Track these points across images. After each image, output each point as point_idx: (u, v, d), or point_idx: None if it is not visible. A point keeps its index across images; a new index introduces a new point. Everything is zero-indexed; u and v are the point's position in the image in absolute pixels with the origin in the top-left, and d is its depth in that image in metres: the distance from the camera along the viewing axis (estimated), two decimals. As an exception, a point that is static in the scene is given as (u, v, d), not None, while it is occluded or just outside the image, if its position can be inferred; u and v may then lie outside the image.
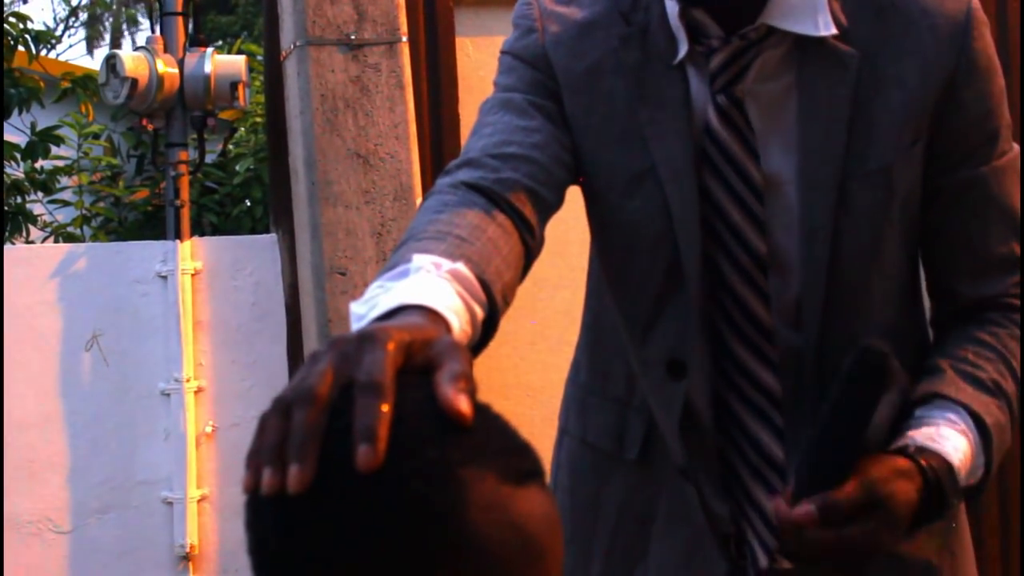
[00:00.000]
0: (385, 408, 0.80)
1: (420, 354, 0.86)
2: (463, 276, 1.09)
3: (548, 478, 1.61)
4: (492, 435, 0.84)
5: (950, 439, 1.27)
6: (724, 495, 1.45)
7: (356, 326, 0.98)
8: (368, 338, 0.85)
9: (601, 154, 1.42)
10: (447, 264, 1.09)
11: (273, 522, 0.82)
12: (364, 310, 1.01)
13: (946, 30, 1.37)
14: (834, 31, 1.35)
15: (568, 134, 1.42)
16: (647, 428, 1.50)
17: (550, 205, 1.37)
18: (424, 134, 3.13)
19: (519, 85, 1.43)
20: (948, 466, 1.24)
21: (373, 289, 1.03)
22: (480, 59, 3.27)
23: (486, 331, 1.13)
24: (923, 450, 1.24)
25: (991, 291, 1.42)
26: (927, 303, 1.52)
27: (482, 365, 3.28)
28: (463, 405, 0.81)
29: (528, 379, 3.15)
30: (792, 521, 1.19)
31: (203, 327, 3.43)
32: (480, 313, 1.10)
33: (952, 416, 1.29)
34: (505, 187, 1.30)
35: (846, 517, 1.18)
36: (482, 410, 0.84)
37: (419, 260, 1.08)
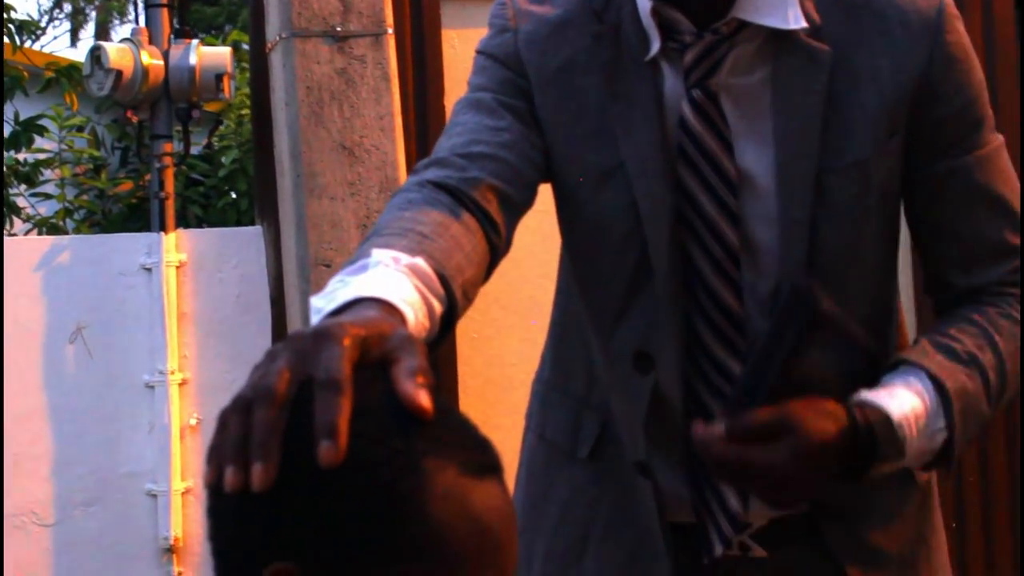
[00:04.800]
0: (345, 404, 0.81)
1: (376, 348, 0.87)
2: (421, 271, 1.10)
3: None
4: (452, 429, 0.87)
5: (898, 396, 1.29)
6: (688, 483, 1.46)
7: (315, 319, 0.99)
8: (324, 334, 0.86)
9: (572, 151, 1.43)
10: (406, 259, 1.10)
11: (235, 514, 0.84)
12: (323, 304, 1.01)
13: (918, 25, 1.38)
14: (804, 24, 1.36)
15: (538, 133, 1.43)
16: (601, 428, 1.52)
17: (518, 204, 1.38)
18: (409, 126, 3.13)
19: (490, 85, 1.44)
20: (884, 417, 1.26)
21: (334, 283, 1.04)
22: (466, 52, 3.26)
23: (445, 326, 1.14)
24: (861, 402, 1.28)
25: (985, 280, 1.43)
26: (903, 295, 1.53)
27: (488, 358, 3.27)
28: (423, 400, 0.83)
29: (511, 371, 3.16)
30: (702, 437, 1.24)
31: (188, 319, 3.42)
32: (439, 308, 1.11)
33: (911, 379, 1.31)
34: (471, 186, 1.32)
35: (754, 437, 1.22)
36: (442, 405, 0.86)
37: (379, 255, 1.09)
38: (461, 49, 3.25)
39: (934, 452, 1.32)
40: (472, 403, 3.12)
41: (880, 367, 1.36)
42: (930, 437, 1.30)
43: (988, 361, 1.37)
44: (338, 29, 3.00)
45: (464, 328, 3.16)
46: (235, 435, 0.82)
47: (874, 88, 1.37)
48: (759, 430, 1.23)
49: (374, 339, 0.88)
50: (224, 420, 0.84)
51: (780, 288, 1.33)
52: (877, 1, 1.39)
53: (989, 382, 1.36)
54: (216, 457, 0.83)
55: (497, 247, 1.33)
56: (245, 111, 4.68)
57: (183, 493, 3.38)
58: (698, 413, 1.44)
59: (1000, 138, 1.46)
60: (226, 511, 0.85)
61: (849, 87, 1.37)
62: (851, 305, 1.42)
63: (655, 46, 1.39)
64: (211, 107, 4.70)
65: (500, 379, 3.18)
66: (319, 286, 2.97)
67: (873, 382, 1.33)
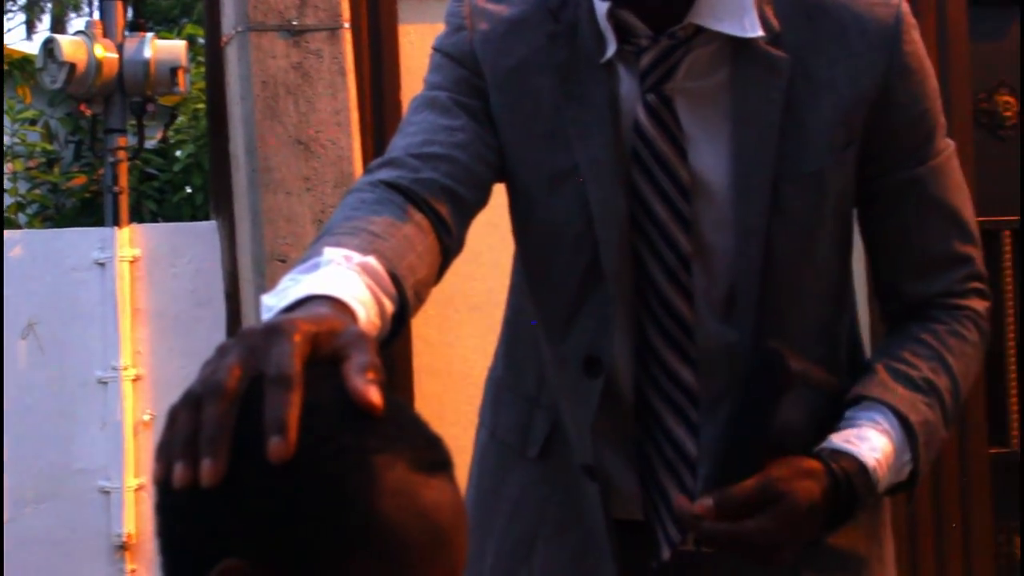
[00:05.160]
0: (295, 400, 0.81)
1: (327, 344, 0.87)
2: (373, 269, 1.10)
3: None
4: (403, 426, 0.86)
5: (869, 439, 1.31)
6: (638, 484, 1.47)
7: (266, 317, 0.99)
8: (275, 330, 0.86)
9: (526, 152, 1.43)
10: (357, 257, 1.10)
11: (184, 511, 0.84)
12: (274, 301, 1.02)
13: (876, 34, 1.39)
14: (760, 32, 1.36)
15: (493, 133, 1.43)
16: (551, 428, 1.52)
17: (471, 204, 1.38)
18: (366, 121, 3.12)
19: (445, 83, 1.44)
20: (860, 466, 1.29)
21: (285, 281, 1.05)
22: (423, 47, 3.24)
23: (396, 325, 1.14)
24: (836, 452, 1.29)
25: (935, 290, 1.45)
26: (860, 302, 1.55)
27: (437, 355, 3.26)
28: (374, 396, 0.83)
29: (466, 369, 3.16)
30: (690, 514, 1.26)
31: (141, 315, 3.40)
32: (390, 307, 1.12)
33: (877, 417, 1.34)
34: (424, 187, 1.32)
35: (742, 511, 1.24)
36: (393, 401, 0.86)
37: (330, 253, 1.09)
38: (418, 44, 3.24)
39: (900, 482, 1.35)
40: (426, 401, 3.11)
41: (841, 399, 1.38)
42: (897, 471, 1.33)
43: (943, 385, 1.40)
44: (294, 23, 2.98)
45: (419, 327, 3.16)
46: (184, 431, 0.82)
47: (831, 97, 1.38)
48: (747, 502, 1.25)
49: (325, 335, 0.88)
50: (173, 416, 0.84)
51: (754, 360, 1.35)
52: (836, 9, 1.39)
53: (946, 406, 1.39)
54: (165, 453, 0.83)
55: (449, 247, 1.33)
56: (200, 105, 4.66)
57: (136, 490, 3.36)
58: (648, 417, 1.45)
59: (951, 145, 1.47)
60: (175, 508, 0.85)
61: (807, 95, 1.38)
62: (808, 312, 1.44)
63: (611, 48, 1.39)
64: (166, 101, 4.67)
65: (455, 378, 3.18)
66: (274, 281, 2.96)
67: (837, 414, 1.35)
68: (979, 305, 1.47)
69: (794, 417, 1.29)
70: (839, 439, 1.31)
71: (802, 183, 1.38)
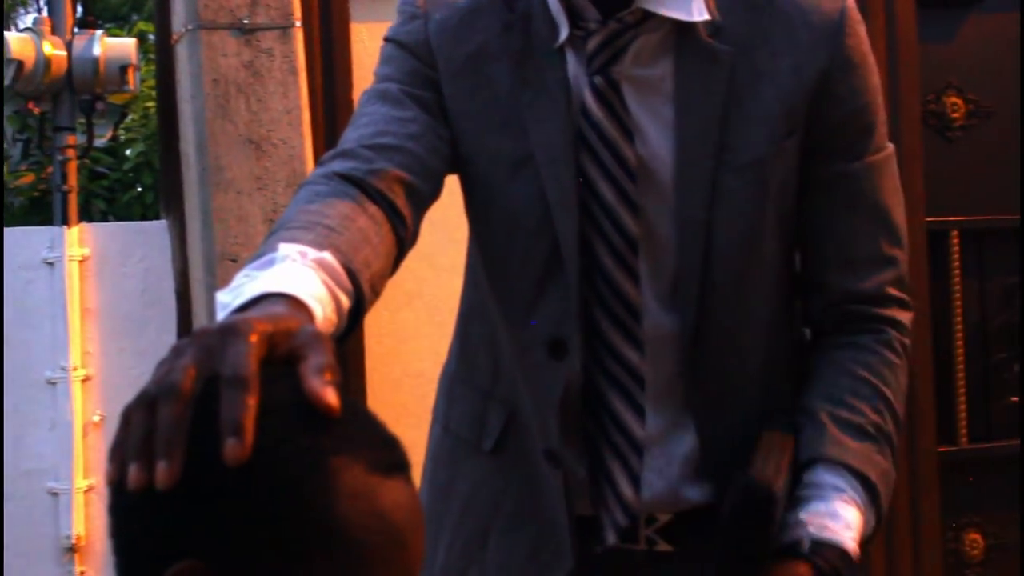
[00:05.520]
0: (251, 401, 0.81)
1: (283, 344, 0.87)
2: (329, 265, 1.10)
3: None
4: (361, 427, 0.86)
5: (841, 517, 1.34)
6: (586, 473, 1.47)
7: (221, 315, 0.98)
8: (230, 330, 0.85)
9: (483, 140, 1.43)
10: (313, 253, 1.09)
11: (138, 513, 0.83)
12: (229, 299, 1.01)
13: (820, 27, 1.40)
14: (707, 17, 1.37)
15: (445, 124, 1.43)
16: (505, 420, 1.52)
17: (425, 196, 1.38)
18: (317, 120, 3.10)
19: (397, 75, 1.44)
20: (843, 553, 1.31)
21: (239, 278, 1.04)
22: (375, 46, 3.22)
23: (352, 320, 1.14)
24: (819, 545, 1.31)
25: (857, 288, 1.46)
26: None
27: (390, 353, 3.25)
28: (330, 397, 0.83)
29: (420, 367, 3.15)
30: None
31: (91, 315, 3.37)
32: (346, 302, 1.11)
33: (840, 484, 1.36)
34: (378, 178, 1.31)
35: None
36: (350, 403, 0.86)
37: (285, 249, 1.08)
38: (370, 43, 3.23)
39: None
40: (381, 400, 3.10)
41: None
42: (866, 529, 1.37)
43: (889, 425, 1.43)
44: (245, 22, 2.97)
45: (372, 325, 3.15)
46: (139, 432, 0.81)
47: (773, 88, 1.39)
48: None
49: (281, 335, 0.87)
50: (128, 417, 0.83)
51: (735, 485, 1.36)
52: (780, 2, 1.40)
53: (893, 445, 1.43)
54: (119, 454, 0.82)
55: (404, 239, 1.32)
56: (151, 103, 4.63)
57: (85, 491, 3.33)
58: (595, 400, 1.45)
59: (891, 148, 1.49)
60: (129, 509, 0.84)
61: (749, 87, 1.39)
62: (751, 301, 1.44)
63: (563, 33, 1.40)
64: (116, 99, 4.64)
65: (409, 376, 3.17)
66: (225, 281, 2.94)
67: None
68: (901, 316, 1.48)
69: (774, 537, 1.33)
70: (815, 525, 1.33)
71: (743, 174, 1.39)
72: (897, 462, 1.44)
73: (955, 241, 3.70)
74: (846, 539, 1.32)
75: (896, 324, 1.47)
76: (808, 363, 1.48)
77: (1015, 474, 3.79)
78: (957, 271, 3.70)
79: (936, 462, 3.61)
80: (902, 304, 1.48)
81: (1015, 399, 3.76)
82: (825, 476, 1.36)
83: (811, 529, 1.33)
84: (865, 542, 1.37)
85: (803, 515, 1.34)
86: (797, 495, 1.36)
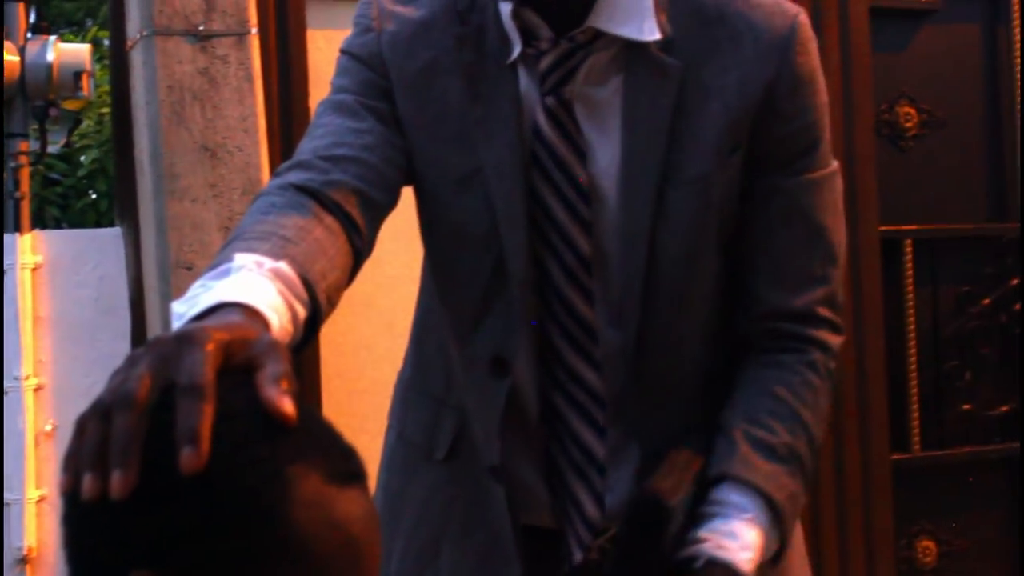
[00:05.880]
0: (207, 410, 0.80)
1: (240, 353, 0.87)
2: (285, 275, 1.10)
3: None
4: (317, 436, 0.86)
5: (740, 537, 1.32)
6: (547, 488, 1.47)
7: (176, 325, 0.98)
8: (187, 339, 0.85)
9: (433, 153, 1.43)
10: (269, 263, 1.09)
11: (93, 523, 0.83)
12: (185, 308, 1.01)
13: (768, 43, 1.40)
14: (658, 36, 1.37)
15: (400, 135, 1.43)
16: (458, 429, 1.53)
17: (381, 207, 1.38)
18: (273, 128, 3.09)
19: (352, 86, 1.44)
20: (735, 574, 1.30)
21: (195, 288, 1.04)
22: (332, 53, 3.21)
23: (308, 330, 1.13)
24: (712, 563, 1.30)
25: (788, 304, 1.45)
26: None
27: (346, 362, 3.23)
28: (287, 406, 0.83)
29: (377, 376, 3.14)
30: None
31: (43, 323, 3.34)
32: (302, 312, 1.11)
33: (745, 504, 1.35)
34: (334, 189, 1.31)
35: None
36: (307, 412, 0.85)
37: (241, 259, 1.08)
38: (327, 50, 3.22)
39: (766, 559, 1.37)
40: (338, 409, 3.09)
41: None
42: (767, 550, 1.35)
43: (802, 447, 1.41)
44: (201, 28, 2.95)
45: (328, 334, 3.14)
46: (93, 441, 0.80)
47: (720, 103, 1.39)
48: None
49: (238, 344, 0.87)
50: (82, 426, 0.82)
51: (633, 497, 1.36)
52: (731, 17, 1.40)
53: (805, 468, 1.41)
54: (73, 464, 0.81)
55: (360, 250, 1.32)
56: (105, 110, 4.59)
57: (38, 501, 3.29)
58: (554, 420, 1.45)
59: (834, 166, 1.47)
60: (83, 519, 0.84)
61: (697, 101, 1.39)
62: (693, 315, 1.45)
63: (516, 50, 1.40)
64: (70, 105, 4.59)
65: (364, 385, 3.16)
66: (179, 289, 2.93)
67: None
68: (829, 338, 1.47)
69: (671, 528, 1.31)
70: (712, 544, 1.32)
71: (687, 188, 1.39)
72: (808, 484, 1.43)
73: (908, 250, 3.73)
74: (741, 560, 1.31)
75: (823, 346, 1.46)
76: (732, 378, 1.48)
77: (968, 480, 3.83)
78: (910, 279, 3.73)
79: (889, 469, 3.64)
80: (831, 326, 1.47)
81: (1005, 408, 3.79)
82: (731, 495, 1.36)
83: (708, 547, 1.31)
84: (772, 560, 1.37)
85: (703, 532, 1.33)
86: (701, 511, 1.35)
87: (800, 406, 1.42)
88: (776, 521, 1.35)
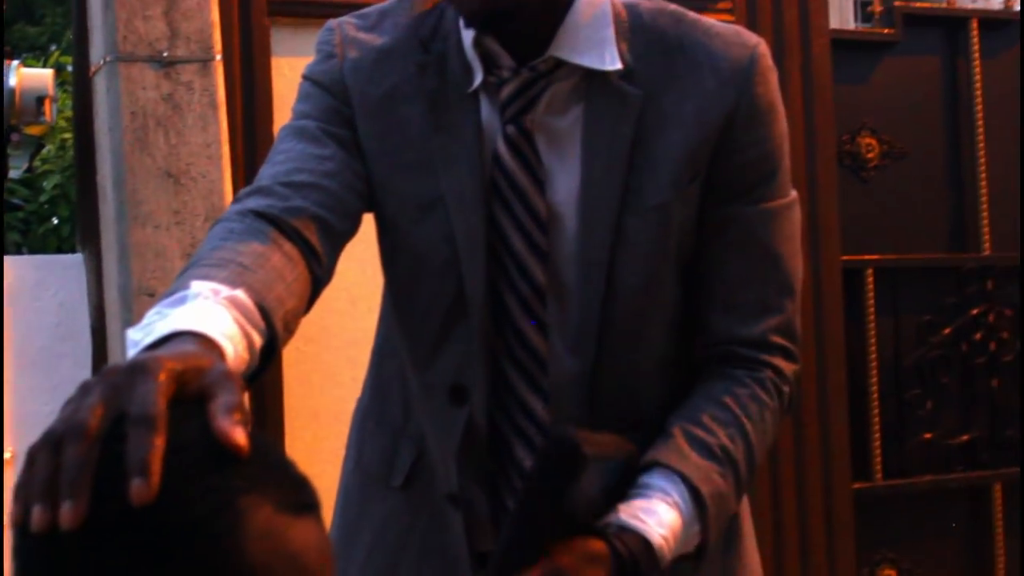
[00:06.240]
0: (158, 441, 0.80)
1: (193, 383, 0.86)
2: (242, 303, 1.09)
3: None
4: (270, 466, 0.85)
5: (657, 514, 1.31)
6: (492, 520, 1.47)
7: (131, 352, 0.97)
8: (139, 368, 0.84)
9: (394, 180, 1.43)
10: (226, 290, 1.09)
11: (43, 555, 0.81)
12: (140, 336, 1.00)
13: (728, 73, 1.40)
14: (619, 66, 1.38)
15: (362, 162, 1.43)
16: (416, 456, 1.53)
17: (341, 233, 1.37)
18: (237, 154, 3.09)
19: (314, 112, 1.44)
20: (646, 543, 1.28)
21: (151, 315, 1.03)
22: (296, 80, 3.21)
23: (265, 359, 1.13)
24: (623, 529, 1.28)
25: (742, 333, 1.45)
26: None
27: (309, 393, 3.21)
28: (239, 437, 0.82)
29: (339, 403, 3.13)
30: None
31: (3, 349, 3.31)
32: (259, 340, 1.11)
33: (668, 487, 1.33)
34: (293, 215, 1.31)
35: None
36: (259, 442, 0.85)
37: (197, 287, 1.08)
38: (291, 77, 3.22)
39: (688, 552, 1.35)
40: (299, 436, 3.08)
41: (636, 463, 1.37)
42: (685, 543, 1.34)
43: (739, 454, 1.40)
44: (165, 54, 2.95)
45: (291, 365, 3.13)
46: (44, 472, 0.80)
47: (680, 132, 1.39)
48: None
49: (191, 374, 0.87)
50: (32, 456, 0.81)
51: (545, 444, 1.33)
52: (691, 46, 1.41)
53: (740, 475, 1.40)
54: (23, 495, 0.80)
55: (319, 277, 1.32)
56: (68, 135, 4.57)
57: (-4, 529, 3.25)
58: (500, 447, 1.45)
59: (793, 196, 1.48)
60: (33, 551, 0.83)
61: (657, 130, 1.39)
62: (650, 343, 1.45)
63: (478, 78, 1.40)
64: (32, 130, 4.58)
65: (327, 416, 3.15)
66: (142, 316, 2.90)
67: (631, 479, 1.35)
68: (784, 366, 1.47)
69: (585, 489, 1.27)
70: (627, 514, 1.30)
71: (646, 216, 1.40)
72: (741, 494, 1.42)
73: (870, 279, 3.75)
74: (654, 533, 1.29)
75: (776, 369, 1.46)
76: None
77: (930, 509, 3.84)
78: (872, 309, 3.75)
79: (851, 498, 3.65)
80: (786, 353, 1.47)
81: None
82: (657, 479, 1.34)
83: (623, 516, 1.30)
84: (691, 555, 1.35)
85: (621, 507, 1.31)
86: (626, 493, 1.34)
87: (743, 415, 1.42)
88: (699, 514, 1.34)
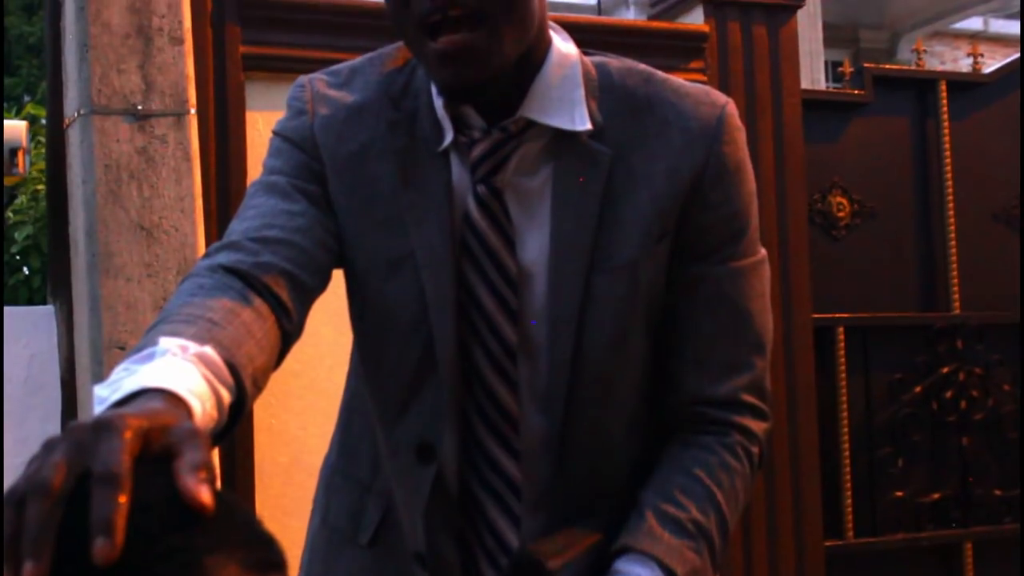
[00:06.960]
0: (122, 500, 0.79)
1: (158, 441, 0.85)
2: (210, 359, 1.08)
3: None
4: (236, 525, 0.85)
5: None
6: (460, 574, 1.46)
7: (98, 409, 0.96)
8: (104, 426, 0.83)
9: (363, 237, 1.43)
10: (194, 347, 1.08)
11: None
12: (107, 393, 0.99)
13: (696, 132, 1.41)
14: (589, 127, 1.39)
15: (332, 218, 1.43)
16: (383, 513, 1.52)
17: (311, 289, 1.37)
18: (211, 208, 3.09)
19: (285, 168, 1.44)
20: None
21: (118, 372, 1.02)
22: (270, 134, 3.23)
23: (234, 415, 1.12)
24: None
25: (711, 392, 1.45)
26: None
27: (280, 446, 3.19)
28: (204, 495, 0.81)
29: (310, 457, 3.11)
30: None
31: (-29, 401, 3.28)
32: (227, 397, 1.10)
33: (643, 572, 1.33)
34: (263, 271, 1.30)
35: None
36: (225, 501, 0.84)
37: (166, 343, 1.07)
38: (265, 131, 3.23)
39: None
40: (269, 490, 3.06)
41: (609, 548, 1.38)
42: None
43: (712, 525, 1.40)
44: (139, 108, 2.95)
45: (262, 418, 3.11)
46: (7, 531, 0.79)
47: (648, 191, 1.40)
48: None
49: (157, 431, 0.86)
50: None
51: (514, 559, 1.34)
52: (660, 106, 1.42)
53: (714, 547, 1.40)
54: None
55: (289, 333, 1.31)
56: (40, 186, 4.57)
57: (-40, 584, 3.21)
58: (471, 506, 1.45)
59: (762, 254, 1.48)
60: None
61: (625, 189, 1.40)
62: (620, 400, 1.45)
63: (448, 137, 1.41)
64: (5, 181, 4.57)
65: (298, 469, 3.13)
66: (112, 369, 2.89)
67: (604, 567, 1.35)
68: (754, 425, 1.47)
69: None
70: None
71: (615, 275, 1.40)
72: (717, 565, 1.41)
73: (841, 337, 3.77)
74: None
75: (745, 431, 1.46)
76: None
77: (901, 567, 3.84)
78: (843, 367, 3.77)
79: (823, 556, 3.64)
80: (755, 412, 1.47)
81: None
82: (631, 566, 1.34)
83: None
84: None
85: None
86: None
87: (713, 486, 1.42)
88: None
